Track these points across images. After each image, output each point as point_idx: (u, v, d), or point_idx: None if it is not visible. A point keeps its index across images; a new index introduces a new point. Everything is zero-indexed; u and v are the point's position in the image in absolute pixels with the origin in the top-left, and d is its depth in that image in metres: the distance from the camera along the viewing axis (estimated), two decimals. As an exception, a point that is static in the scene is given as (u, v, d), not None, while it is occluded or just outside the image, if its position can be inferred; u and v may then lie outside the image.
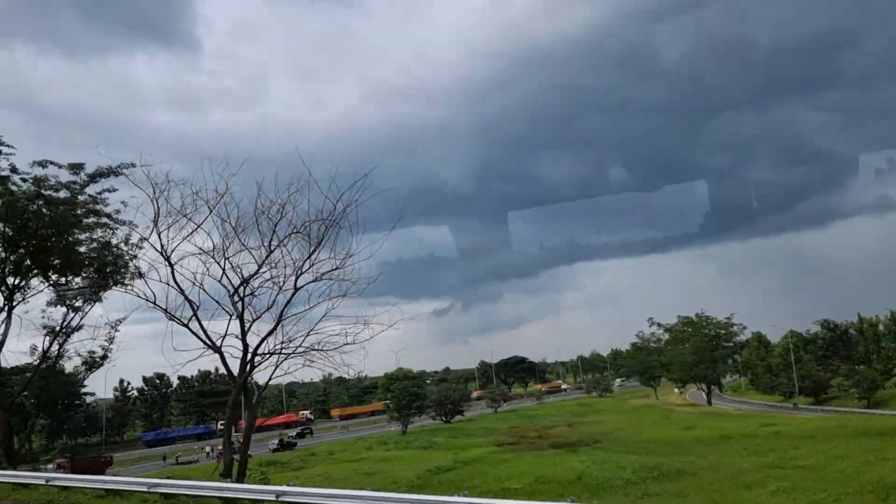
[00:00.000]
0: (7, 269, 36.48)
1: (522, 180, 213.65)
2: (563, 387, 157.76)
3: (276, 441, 74.00)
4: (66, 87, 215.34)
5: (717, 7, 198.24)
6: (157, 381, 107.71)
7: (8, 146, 33.92)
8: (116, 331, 39.79)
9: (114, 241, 36.97)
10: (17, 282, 36.90)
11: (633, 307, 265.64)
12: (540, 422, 79.29)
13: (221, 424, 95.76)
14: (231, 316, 24.89)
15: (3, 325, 35.28)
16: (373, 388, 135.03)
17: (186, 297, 24.84)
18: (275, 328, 24.95)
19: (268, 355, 25.28)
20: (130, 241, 36.58)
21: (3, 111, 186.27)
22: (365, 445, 67.17)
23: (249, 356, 25.08)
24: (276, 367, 25.50)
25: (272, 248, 25.01)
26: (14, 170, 34.04)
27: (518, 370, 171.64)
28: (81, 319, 39.08)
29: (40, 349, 39.39)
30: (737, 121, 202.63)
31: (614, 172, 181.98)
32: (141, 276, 30.36)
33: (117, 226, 36.51)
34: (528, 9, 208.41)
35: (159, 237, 24.87)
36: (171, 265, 24.98)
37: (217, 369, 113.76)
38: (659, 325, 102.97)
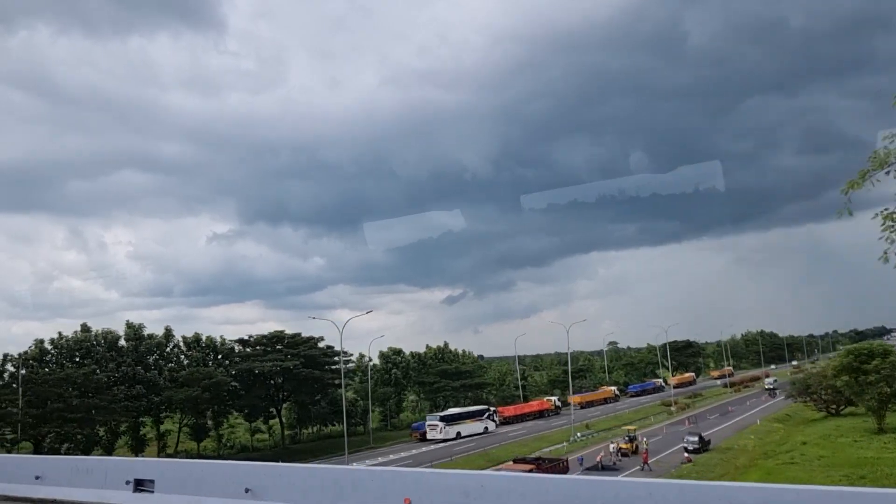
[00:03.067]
0: None
1: (542, 164, 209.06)
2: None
3: (696, 437, 55.18)
4: (85, 68, 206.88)
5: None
6: (397, 358, 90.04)
7: None
8: None
9: None
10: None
11: (645, 297, 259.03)
12: None
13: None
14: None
15: None
16: (582, 371, 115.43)
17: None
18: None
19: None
20: None
21: (21, 91, 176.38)
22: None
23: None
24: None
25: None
26: None
27: (686, 354, 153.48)
28: None
29: None
30: (764, 105, 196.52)
31: (635, 157, 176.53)
32: None
33: None
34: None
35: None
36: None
37: (447, 344, 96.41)
38: None
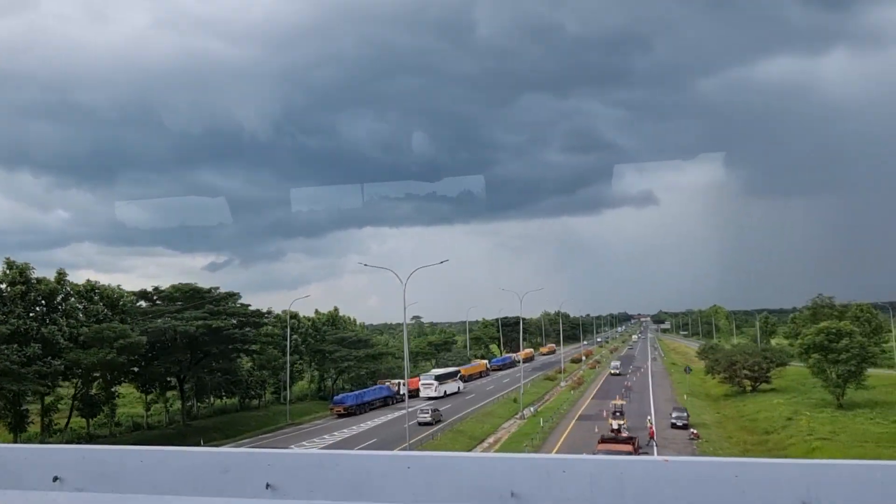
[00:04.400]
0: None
1: (325, 134, 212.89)
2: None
3: (684, 412, 55.39)
4: None
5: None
6: (293, 322, 79.90)
7: None
8: None
9: None
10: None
11: (415, 275, 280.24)
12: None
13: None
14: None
15: None
16: (445, 344, 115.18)
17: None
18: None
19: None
20: None
21: None
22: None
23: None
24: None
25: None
26: None
27: (516, 331, 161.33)
28: None
29: None
30: (538, 103, 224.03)
31: (417, 137, 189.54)
32: None
33: None
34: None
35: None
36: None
37: (337, 309, 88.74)
38: None
